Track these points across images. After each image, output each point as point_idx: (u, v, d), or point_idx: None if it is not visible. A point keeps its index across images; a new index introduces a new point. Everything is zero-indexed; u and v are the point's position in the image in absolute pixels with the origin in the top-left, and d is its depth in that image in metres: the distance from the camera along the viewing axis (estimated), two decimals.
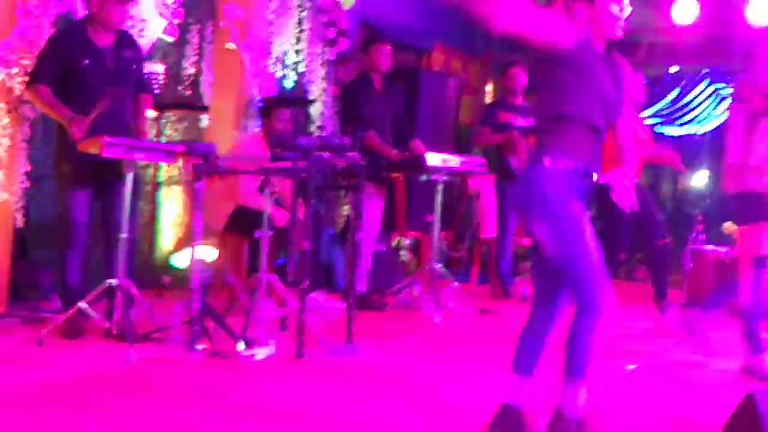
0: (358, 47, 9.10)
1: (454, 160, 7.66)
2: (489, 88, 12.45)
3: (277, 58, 8.14)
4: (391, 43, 8.02)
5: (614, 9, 3.81)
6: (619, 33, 3.85)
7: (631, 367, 6.00)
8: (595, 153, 3.87)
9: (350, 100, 8.01)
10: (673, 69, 12.65)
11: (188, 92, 8.02)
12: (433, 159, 7.49)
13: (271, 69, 8.07)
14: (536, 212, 3.80)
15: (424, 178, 7.88)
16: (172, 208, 8.06)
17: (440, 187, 7.69)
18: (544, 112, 3.89)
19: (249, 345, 5.54)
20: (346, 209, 8.90)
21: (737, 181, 5.91)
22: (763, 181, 5.76)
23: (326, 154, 5.72)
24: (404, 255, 9.92)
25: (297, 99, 8.03)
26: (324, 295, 7.43)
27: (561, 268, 3.78)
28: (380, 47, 7.95)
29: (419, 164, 7.54)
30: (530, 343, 3.99)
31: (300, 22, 8.36)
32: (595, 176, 3.87)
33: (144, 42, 6.89)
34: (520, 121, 8.87)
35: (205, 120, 8.13)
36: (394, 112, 8.10)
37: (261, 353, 5.51)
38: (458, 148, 9.89)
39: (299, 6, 8.30)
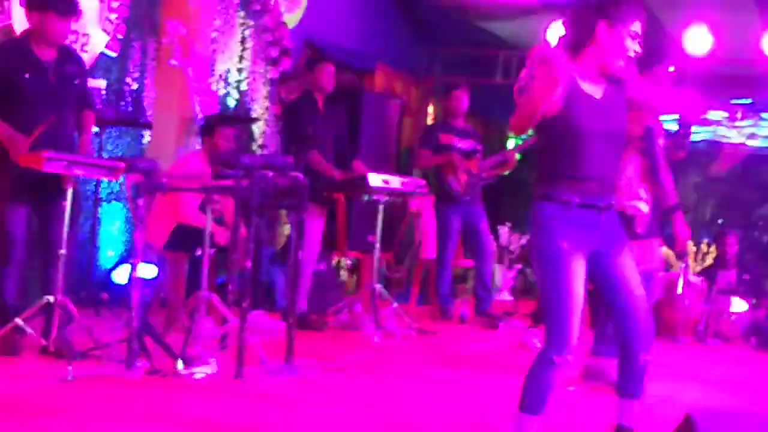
0: (301, 66, 9.13)
1: (395, 181, 7.71)
2: (430, 109, 12.54)
3: (219, 76, 8.13)
4: (334, 63, 8.06)
5: (628, 42, 3.82)
6: (621, 66, 3.86)
7: (571, 388, 6.07)
8: (604, 182, 3.87)
9: (293, 119, 8.02)
10: None
11: (130, 108, 7.97)
12: (375, 179, 7.52)
13: (213, 87, 8.06)
14: (530, 247, 3.88)
15: (365, 198, 7.91)
16: (112, 225, 7.99)
17: (381, 208, 7.72)
18: (541, 170, 3.90)
19: (188, 364, 5.50)
20: (286, 228, 8.89)
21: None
22: (622, 201, 5.92)
23: (269, 173, 5.72)
24: (344, 275, 9.93)
25: (240, 117, 8.02)
26: (264, 315, 7.40)
27: (541, 301, 3.85)
28: (324, 67, 7.98)
29: (361, 184, 7.57)
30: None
31: (243, 41, 8.37)
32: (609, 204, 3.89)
33: (86, 57, 6.85)
34: (461, 143, 8.95)
35: (146, 136, 8.09)
36: (337, 132, 8.12)
37: (200, 372, 5.48)
38: (399, 169, 9.94)
39: (242, 24, 8.31)
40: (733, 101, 14.59)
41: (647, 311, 3.94)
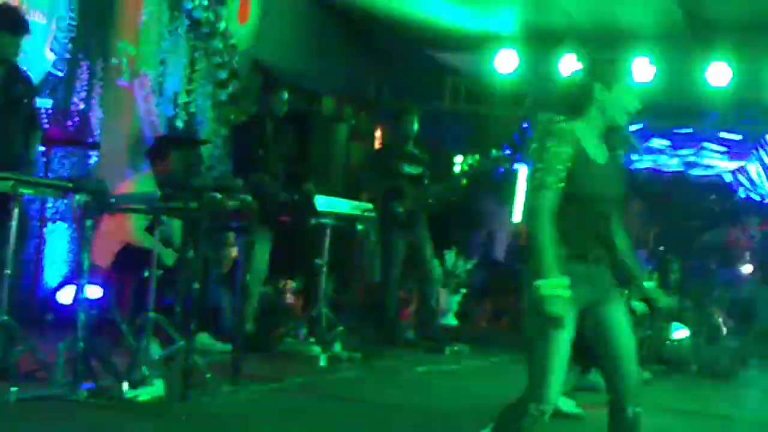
0: (251, 89, 9.14)
1: (342, 205, 7.73)
2: (378, 134, 12.60)
3: (168, 97, 8.11)
4: (287, 90, 8.08)
5: (627, 99, 3.94)
6: (624, 122, 3.97)
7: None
8: (599, 234, 3.92)
9: (243, 142, 8.03)
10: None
11: (77, 129, 7.93)
12: (322, 203, 7.55)
13: (162, 108, 8.05)
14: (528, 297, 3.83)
15: (312, 221, 7.92)
16: (57, 244, 7.93)
17: (328, 231, 7.74)
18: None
19: (133, 385, 5.46)
20: (233, 251, 8.88)
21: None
22: None
23: (218, 195, 5.72)
24: (291, 298, 9.92)
25: (188, 139, 8.00)
26: (210, 336, 7.38)
27: (528, 347, 3.85)
28: (278, 93, 7.98)
29: (308, 208, 7.58)
30: None
31: (192, 63, 8.36)
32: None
33: (33, 76, 6.80)
34: (409, 168, 9.00)
35: (93, 157, 8.05)
36: (286, 155, 8.13)
37: (145, 394, 5.44)
38: (347, 193, 9.97)
39: (191, 46, 8.30)
40: (675, 130, 14.89)
41: (636, 364, 3.93)
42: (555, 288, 3.66)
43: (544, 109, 10.19)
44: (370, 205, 8.18)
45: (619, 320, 3.90)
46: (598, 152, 3.89)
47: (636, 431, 3.91)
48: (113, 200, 5.85)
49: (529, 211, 3.79)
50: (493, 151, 9.45)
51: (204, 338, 7.08)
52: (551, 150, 3.77)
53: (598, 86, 3.92)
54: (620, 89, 3.94)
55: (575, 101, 3.97)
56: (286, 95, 7.98)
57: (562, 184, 3.75)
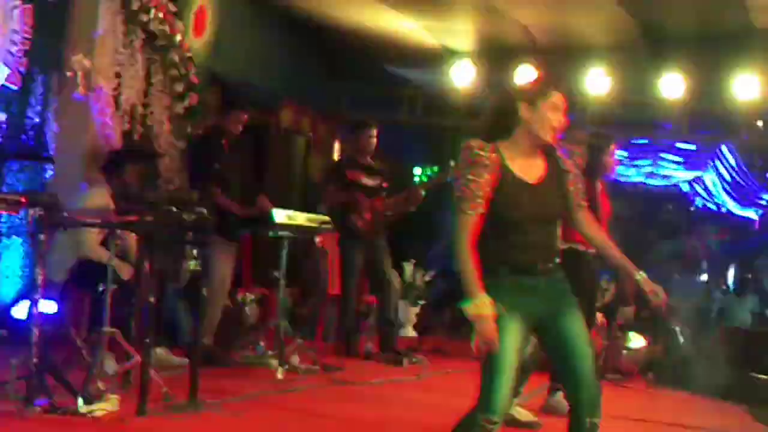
0: (208, 102, 9.12)
1: (300, 217, 7.73)
2: (337, 146, 12.61)
3: (124, 110, 8.07)
4: (248, 110, 8.06)
5: (552, 116, 3.96)
6: (552, 139, 3.99)
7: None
8: (539, 247, 3.96)
9: (200, 155, 8.02)
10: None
11: (31, 142, 7.88)
12: (279, 216, 7.54)
13: (118, 121, 8.00)
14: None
15: (270, 234, 7.91)
16: (11, 259, 7.86)
17: (286, 244, 7.73)
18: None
19: (89, 401, 5.42)
20: (192, 264, 8.83)
21: None
22: None
23: (173, 209, 5.70)
24: (249, 311, 9.89)
25: (144, 153, 7.96)
26: (168, 351, 7.34)
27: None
28: (238, 115, 7.97)
29: (265, 221, 7.57)
30: None
31: (148, 76, 8.32)
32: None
33: None
34: (367, 180, 9.01)
35: (48, 171, 7.99)
36: (243, 167, 8.13)
37: (101, 409, 5.40)
38: (306, 205, 9.96)
39: (148, 59, 8.27)
40: (632, 141, 15.03)
41: (593, 375, 3.97)
42: (479, 308, 3.72)
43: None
44: (327, 218, 8.17)
45: (576, 332, 3.93)
46: (527, 172, 3.92)
47: None
48: (67, 214, 5.81)
49: (453, 236, 3.84)
50: (452, 163, 9.48)
51: (161, 352, 7.04)
52: (469, 177, 3.82)
53: (522, 105, 3.96)
54: (546, 106, 3.96)
55: (500, 122, 3.99)
56: (245, 117, 7.98)
57: (481, 210, 3.80)
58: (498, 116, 4.02)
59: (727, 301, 12.54)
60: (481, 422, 3.79)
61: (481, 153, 3.86)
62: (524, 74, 11.12)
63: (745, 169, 16.57)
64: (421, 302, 10.94)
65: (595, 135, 7.72)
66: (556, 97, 3.99)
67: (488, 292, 3.78)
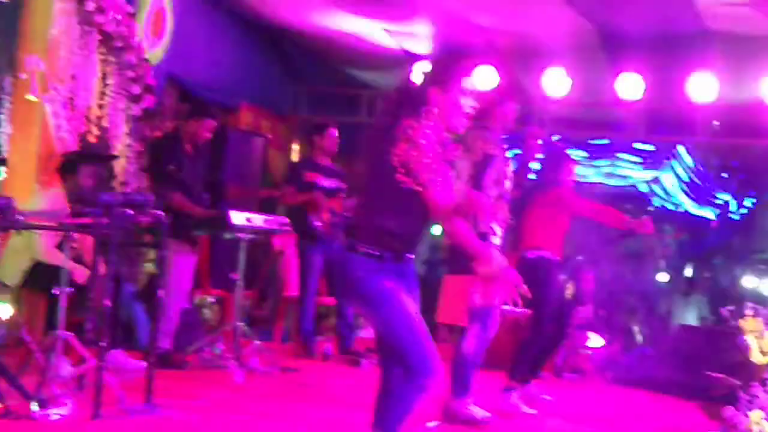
0: (164, 103, 9.07)
1: (257, 219, 7.71)
2: (295, 147, 12.58)
3: (80, 112, 8.01)
4: (214, 118, 8.02)
5: (464, 102, 4.04)
6: (461, 128, 4.08)
7: (432, 424, 6.16)
8: (412, 238, 4.06)
9: (158, 157, 7.99)
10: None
11: None
12: (237, 217, 7.52)
13: (73, 123, 7.93)
14: (355, 296, 4.02)
15: (227, 236, 7.89)
16: None
17: (244, 246, 7.72)
18: (365, 219, 4.07)
19: (43, 405, 5.38)
20: (149, 266, 8.80)
21: None
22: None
23: (129, 211, 5.67)
24: (207, 313, 9.86)
25: (100, 155, 7.91)
26: (123, 354, 7.29)
27: (388, 342, 3.96)
28: (207, 123, 7.92)
29: (223, 223, 7.55)
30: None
31: (104, 77, 8.27)
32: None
33: None
34: (325, 182, 9.00)
35: (2, 173, 7.91)
36: (202, 169, 8.10)
37: (56, 413, 5.37)
38: (264, 207, 9.94)
39: (104, 61, 8.21)
40: (591, 142, 15.11)
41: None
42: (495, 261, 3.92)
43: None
44: (286, 219, 8.16)
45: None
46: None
47: None
48: (21, 217, 5.76)
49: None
50: None
51: (117, 356, 6.99)
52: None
53: (433, 89, 3.97)
54: (456, 91, 4.01)
55: (412, 103, 4.01)
56: (214, 125, 7.94)
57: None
58: (410, 97, 4.05)
59: (672, 302, 12.66)
60: (424, 385, 3.87)
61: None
62: (482, 76, 11.16)
63: (701, 169, 16.71)
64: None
65: (554, 151, 7.83)
66: (468, 83, 4.06)
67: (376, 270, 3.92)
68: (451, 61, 4.13)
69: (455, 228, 4.00)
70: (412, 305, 3.95)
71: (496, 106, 6.52)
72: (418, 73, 11.35)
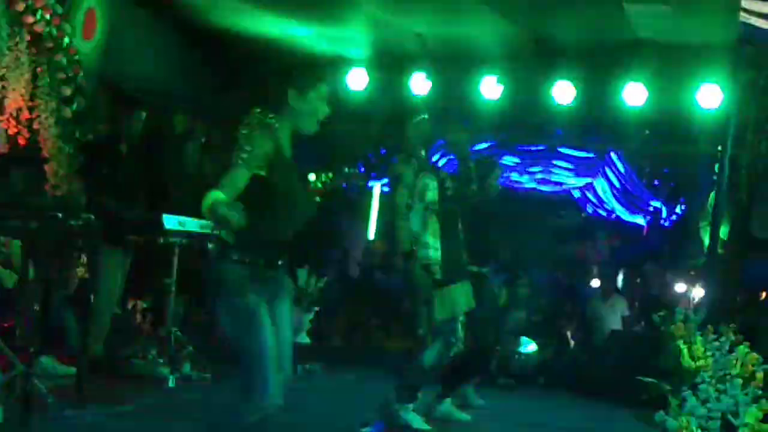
0: (97, 106, 8.95)
1: (192, 224, 7.65)
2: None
3: (10, 114, 7.88)
4: (145, 110, 7.99)
5: (320, 107, 4.15)
6: (315, 131, 4.17)
7: (366, 429, 6.16)
8: (281, 246, 4.15)
9: (91, 160, 7.91)
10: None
11: None
12: (170, 222, 7.46)
13: (3, 125, 7.81)
14: (217, 301, 4.04)
15: (161, 240, 7.82)
16: None
17: (177, 250, 7.65)
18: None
19: None
20: (81, 270, 8.68)
21: None
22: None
23: (59, 215, 5.60)
24: (140, 318, 9.74)
25: (31, 157, 7.79)
26: (53, 359, 7.18)
27: (234, 350, 4.01)
28: (135, 115, 7.88)
29: (156, 226, 7.48)
30: None
31: (35, 78, 8.14)
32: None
33: None
34: None
35: None
36: (137, 173, 8.04)
37: None
38: (199, 211, 9.84)
39: (34, 62, 8.08)
40: (525, 148, 15.23)
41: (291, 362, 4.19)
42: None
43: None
44: None
45: (285, 320, 4.13)
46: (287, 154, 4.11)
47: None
48: None
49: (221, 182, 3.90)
50: (346, 169, 9.52)
51: (47, 361, 6.90)
52: (257, 137, 3.94)
53: (292, 92, 4.08)
54: (314, 97, 4.13)
55: (274, 102, 4.11)
56: (144, 115, 7.91)
57: (259, 170, 3.93)
58: (271, 97, 4.15)
59: (594, 306, 12.72)
60: (265, 406, 3.96)
61: (269, 121, 4.01)
62: (418, 82, 11.21)
63: (633, 176, 16.92)
64: (315, 308, 10.92)
65: (483, 160, 7.87)
66: (324, 89, 4.17)
67: (242, 280, 3.97)
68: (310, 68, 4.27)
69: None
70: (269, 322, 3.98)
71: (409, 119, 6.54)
72: (354, 79, 11.41)
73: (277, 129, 4.01)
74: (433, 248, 6.29)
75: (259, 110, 4.02)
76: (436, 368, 6.41)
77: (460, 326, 6.44)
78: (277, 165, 4.00)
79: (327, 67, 11.50)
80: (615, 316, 11.90)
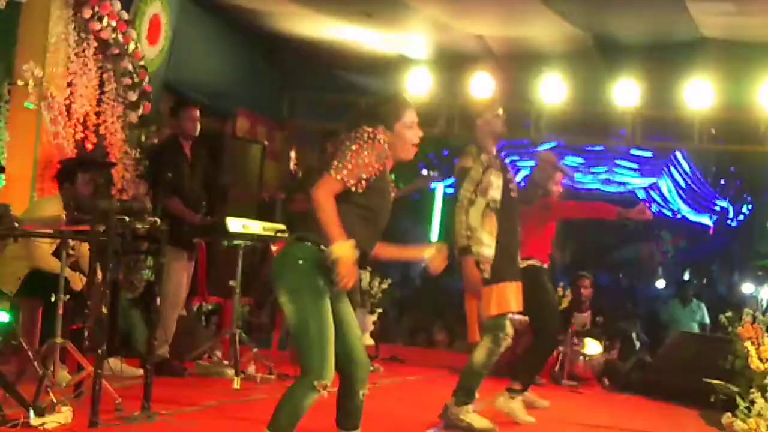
0: (161, 110, 9.06)
1: (255, 226, 7.71)
2: (292, 154, 12.58)
3: (77, 119, 8.01)
4: (199, 108, 8.09)
5: (409, 134, 4.28)
6: (411, 155, 4.32)
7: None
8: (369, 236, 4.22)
9: (157, 164, 8.02)
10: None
11: None
12: (235, 224, 7.52)
13: (71, 130, 7.93)
14: (286, 280, 4.13)
15: (225, 243, 7.89)
16: None
17: (241, 253, 7.71)
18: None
19: (41, 413, 5.36)
20: (147, 273, 8.78)
21: None
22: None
23: (126, 218, 5.67)
24: (204, 320, 9.85)
25: (97, 162, 7.90)
26: (121, 360, 7.28)
27: (294, 333, 4.15)
28: (189, 112, 7.99)
29: (220, 229, 7.55)
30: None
31: (101, 84, 8.26)
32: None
33: None
34: None
35: (1, 181, 7.90)
36: (201, 176, 8.12)
37: (53, 422, 5.34)
38: (261, 214, 9.92)
39: (100, 68, 8.21)
40: (588, 148, 15.13)
41: (365, 353, 4.34)
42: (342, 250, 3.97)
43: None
44: (283, 226, 8.14)
45: (350, 316, 4.29)
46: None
47: (361, 409, 4.35)
48: (18, 225, 5.76)
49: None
50: (425, 172, 9.55)
51: (114, 363, 6.98)
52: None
53: (380, 128, 4.21)
54: (402, 126, 4.27)
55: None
56: (197, 113, 8.00)
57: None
58: (355, 140, 4.20)
59: (671, 310, 12.59)
60: (316, 387, 4.05)
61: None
62: (480, 82, 11.20)
63: (699, 175, 16.74)
64: (379, 310, 10.94)
65: (544, 161, 7.85)
66: (411, 116, 4.30)
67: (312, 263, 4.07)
68: (390, 98, 4.41)
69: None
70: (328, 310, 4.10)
71: (480, 117, 6.52)
72: (415, 80, 11.42)
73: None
74: (487, 246, 6.25)
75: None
76: (488, 366, 6.38)
77: (508, 322, 6.41)
78: (379, 187, 4.18)
79: (388, 69, 11.54)
80: (693, 320, 11.78)
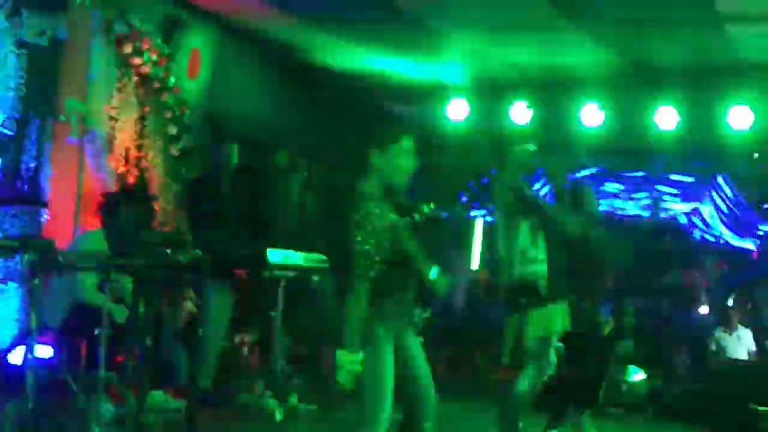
0: (202, 143, 9.13)
1: (296, 257, 7.72)
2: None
3: (119, 153, 8.09)
4: (237, 140, 8.15)
5: (402, 162, 4.24)
6: (406, 183, 4.29)
7: None
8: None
9: (195, 197, 8.06)
10: None
11: (27, 187, 7.87)
12: (275, 256, 7.53)
13: (112, 164, 8.01)
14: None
15: (266, 275, 7.90)
16: (8, 305, 7.82)
17: (282, 284, 7.72)
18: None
19: None
20: (189, 305, 8.82)
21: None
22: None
23: (168, 251, 5.70)
24: (247, 351, 9.85)
25: (138, 195, 7.97)
26: (164, 393, 7.30)
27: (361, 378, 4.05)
28: (227, 145, 8.05)
29: (261, 261, 7.56)
30: None
31: (142, 118, 8.35)
32: None
33: None
34: None
35: (44, 215, 7.98)
36: (241, 208, 8.15)
37: None
38: (301, 245, 9.93)
39: (142, 102, 8.29)
40: (627, 174, 15.03)
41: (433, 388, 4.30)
42: None
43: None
44: (324, 257, 8.15)
45: (418, 349, 4.32)
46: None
47: None
48: (62, 258, 5.81)
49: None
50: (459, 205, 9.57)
51: (158, 396, 7.01)
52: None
53: (374, 153, 4.20)
54: (396, 151, 4.24)
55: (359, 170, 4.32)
56: (235, 147, 8.05)
57: None
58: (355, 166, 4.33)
59: (716, 336, 12.41)
60: None
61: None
62: (519, 110, 11.19)
63: (741, 199, 16.58)
64: (420, 339, 10.91)
65: (575, 186, 7.82)
66: (408, 142, 4.29)
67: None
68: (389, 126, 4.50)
69: None
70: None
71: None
72: (454, 109, 11.43)
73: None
74: (540, 262, 6.25)
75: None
76: (530, 395, 6.33)
77: (553, 350, 6.35)
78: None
79: (427, 98, 11.56)
80: (741, 347, 11.61)
